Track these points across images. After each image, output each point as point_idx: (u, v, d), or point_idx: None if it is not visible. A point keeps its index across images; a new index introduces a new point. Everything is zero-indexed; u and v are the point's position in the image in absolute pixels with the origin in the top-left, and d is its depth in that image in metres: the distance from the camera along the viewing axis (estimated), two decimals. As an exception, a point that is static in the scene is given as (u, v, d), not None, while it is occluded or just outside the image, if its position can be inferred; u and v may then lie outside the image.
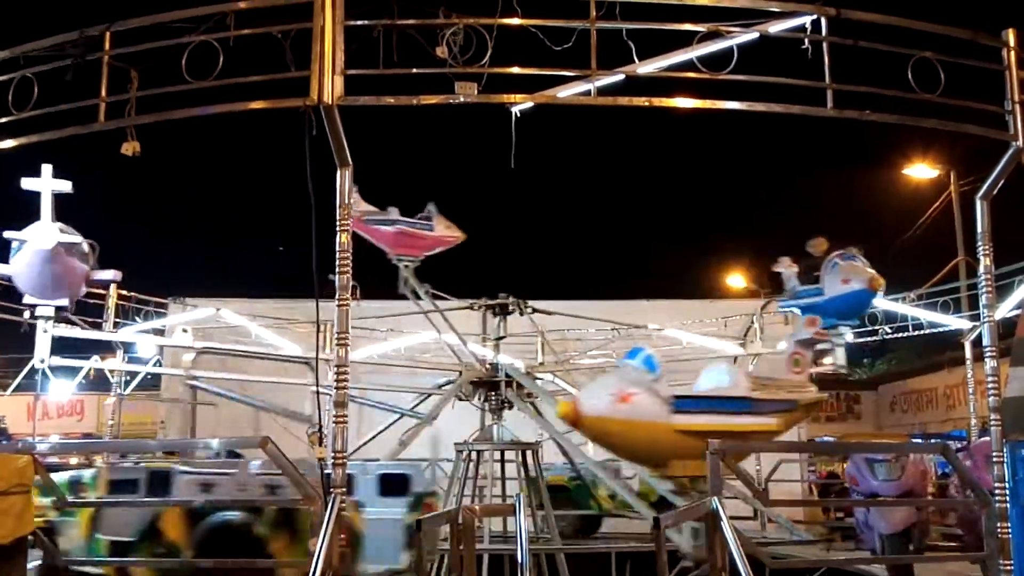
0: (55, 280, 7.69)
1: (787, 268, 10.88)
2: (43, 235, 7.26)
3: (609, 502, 13.55)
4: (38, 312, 7.86)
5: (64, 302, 7.91)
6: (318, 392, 5.84)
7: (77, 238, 7.65)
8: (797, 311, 10.64)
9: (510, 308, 11.83)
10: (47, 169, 7.16)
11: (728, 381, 7.94)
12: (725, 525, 5.41)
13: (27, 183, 7.35)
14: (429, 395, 11.89)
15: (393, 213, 10.93)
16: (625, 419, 7.31)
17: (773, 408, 7.75)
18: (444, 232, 11.31)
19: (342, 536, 5.41)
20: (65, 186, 7.30)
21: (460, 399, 11.33)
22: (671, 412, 7.35)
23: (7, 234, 7.54)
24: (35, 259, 7.40)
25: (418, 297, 10.97)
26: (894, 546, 9.13)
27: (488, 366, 11.13)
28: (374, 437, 11.64)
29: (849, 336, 10.65)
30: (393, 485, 8.83)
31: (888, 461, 9.23)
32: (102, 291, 13.62)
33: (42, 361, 8.59)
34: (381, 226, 10.86)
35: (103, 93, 5.94)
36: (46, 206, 7.26)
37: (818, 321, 8.51)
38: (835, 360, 10.30)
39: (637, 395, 7.33)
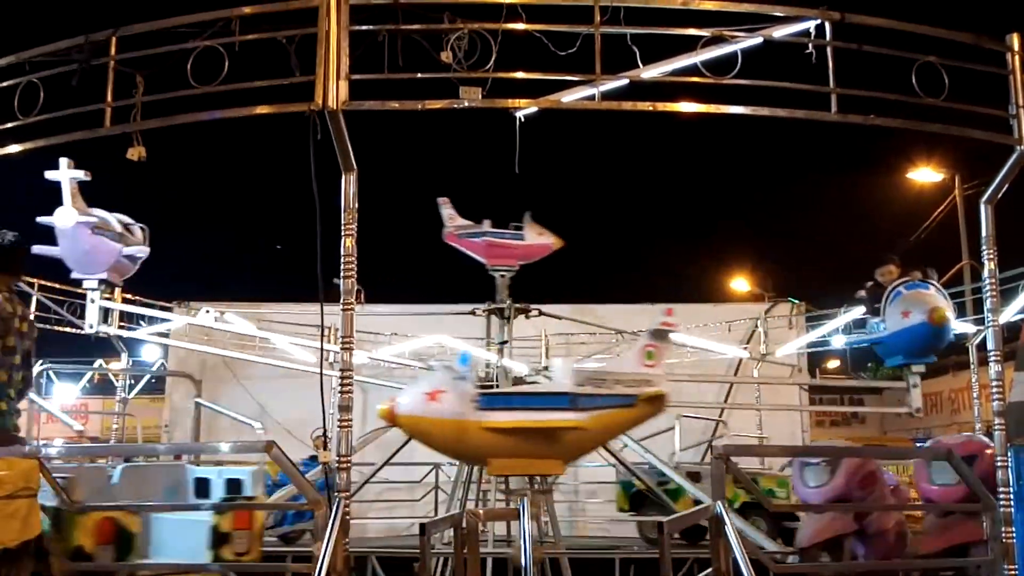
0: (84, 255, 8.83)
1: (447, 207, 11.46)
2: (64, 216, 8.40)
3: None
4: (84, 285, 9.03)
5: (103, 275, 8.96)
6: (322, 395, 5.85)
7: (95, 218, 8.63)
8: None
9: (514, 312, 11.84)
10: (64, 161, 7.98)
11: (562, 376, 7.77)
12: (729, 530, 5.40)
13: (49, 174, 8.25)
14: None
15: (485, 225, 11.19)
16: (434, 417, 7.24)
17: (597, 404, 7.49)
18: (536, 240, 11.48)
19: (345, 541, 5.41)
20: (80, 174, 8.16)
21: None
22: (476, 409, 7.24)
23: (38, 219, 8.52)
24: (62, 238, 8.64)
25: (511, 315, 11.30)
26: (804, 561, 8.50)
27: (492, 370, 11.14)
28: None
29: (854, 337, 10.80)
30: (203, 488, 8.77)
31: (819, 465, 8.66)
32: (107, 295, 13.65)
33: (91, 327, 9.47)
34: (473, 238, 11.15)
35: (108, 98, 5.97)
36: (66, 192, 8.18)
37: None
38: (910, 403, 10.18)
39: (444, 393, 7.25)
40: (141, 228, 9.32)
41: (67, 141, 6.18)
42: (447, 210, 11.23)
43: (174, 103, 5.92)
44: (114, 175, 8.82)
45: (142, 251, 9.21)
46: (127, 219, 9.19)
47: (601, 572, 11.51)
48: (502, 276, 11.08)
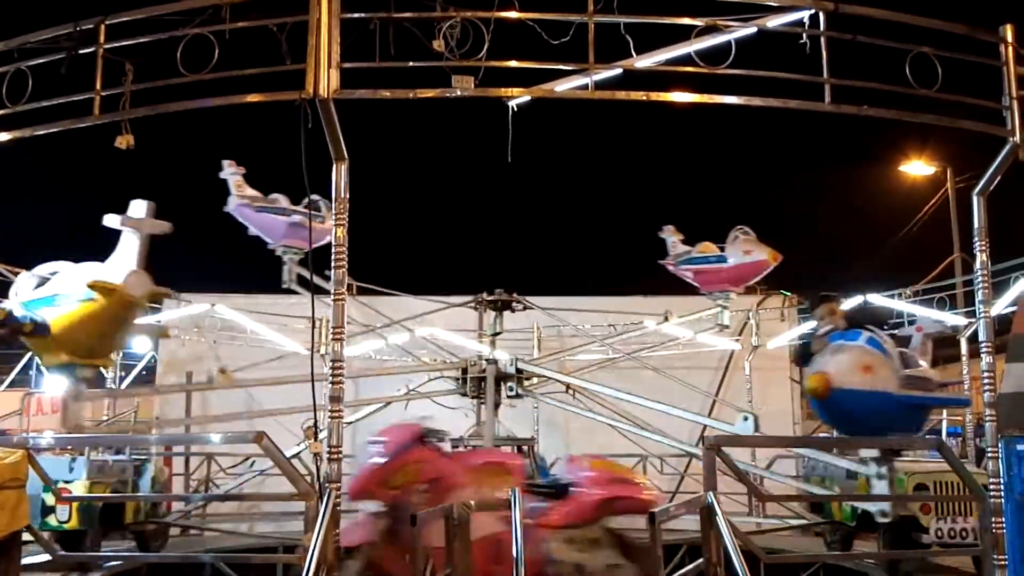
0: (261, 229, 9.86)
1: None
2: (230, 203, 9.35)
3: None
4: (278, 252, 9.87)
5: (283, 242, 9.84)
6: (313, 387, 5.82)
7: (247, 199, 9.19)
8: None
9: (506, 304, 11.83)
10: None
11: None
12: (720, 519, 5.40)
13: (222, 174, 9.05)
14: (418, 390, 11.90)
15: (695, 250, 11.61)
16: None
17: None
18: (743, 259, 11.53)
19: (336, 532, 5.39)
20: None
21: (463, 395, 11.33)
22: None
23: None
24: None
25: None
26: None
27: (484, 361, 11.12)
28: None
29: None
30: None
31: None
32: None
33: (284, 283, 10.00)
34: (684, 266, 11.63)
35: (98, 86, 5.92)
36: (232, 185, 8.92)
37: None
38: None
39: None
40: (325, 203, 8.32)
41: (56, 130, 6.13)
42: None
43: (164, 91, 5.87)
44: (102, 163, 8.76)
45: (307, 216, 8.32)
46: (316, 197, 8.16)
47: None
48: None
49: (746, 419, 8.71)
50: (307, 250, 9.26)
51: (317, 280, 6.44)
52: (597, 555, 6.61)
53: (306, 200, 9.12)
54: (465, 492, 6.52)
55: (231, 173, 9.88)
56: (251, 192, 10.15)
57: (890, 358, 8.23)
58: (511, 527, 5.72)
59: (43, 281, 6.82)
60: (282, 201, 10.23)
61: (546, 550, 6.55)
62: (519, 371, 10.89)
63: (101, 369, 15.57)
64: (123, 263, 6.39)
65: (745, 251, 11.45)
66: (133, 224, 6.52)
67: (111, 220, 6.39)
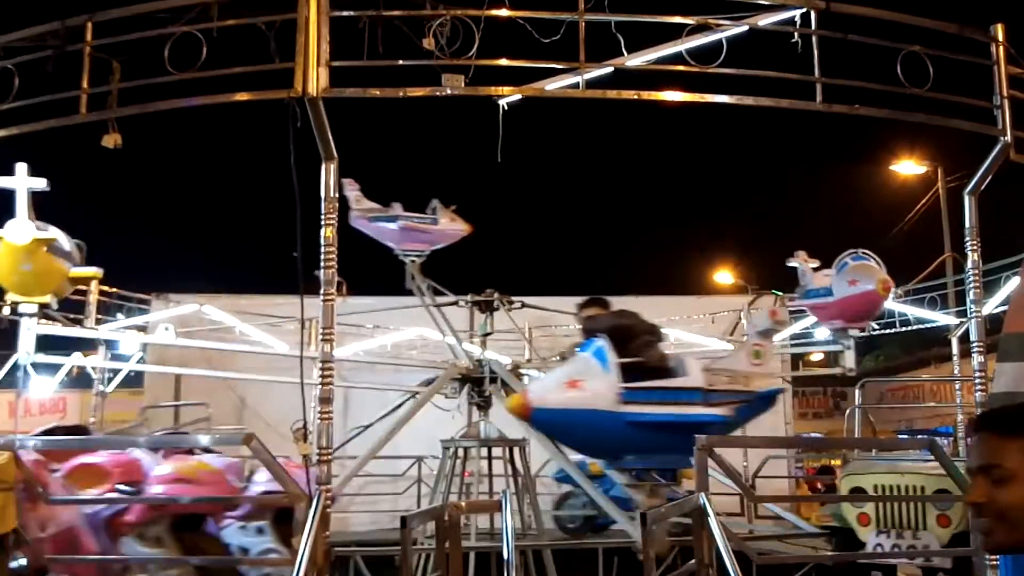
0: (380, 238, 9.04)
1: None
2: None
3: None
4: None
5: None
6: (302, 388, 5.78)
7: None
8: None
9: (496, 304, 11.78)
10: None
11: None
12: (712, 521, 5.38)
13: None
14: (414, 393, 11.84)
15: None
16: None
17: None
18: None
19: (326, 534, 5.36)
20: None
21: (446, 396, 11.27)
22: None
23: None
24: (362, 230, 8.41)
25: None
26: None
27: (474, 362, 11.07)
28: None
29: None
30: None
31: None
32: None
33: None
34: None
35: (84, 85, 5.87)
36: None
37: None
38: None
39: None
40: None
41: (42, 128, 6.07)
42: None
43: (151, 90, 5.83)
44: (89, 163, 8.68)
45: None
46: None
47: (584, 563, 11.49)
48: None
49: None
50: (426, 252, 10.54)
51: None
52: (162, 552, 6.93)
53: (433, 203, 10.56)
54: (59, 494, 6.50)
55: (350, 190, 10.25)
56: (368, 205, 10.46)
57: (609, 371, 7.15)
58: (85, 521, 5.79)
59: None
60: (396, 209, 10.55)
61: (122, 547, 6.84)
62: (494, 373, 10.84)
63: (88, 369, 15.48)
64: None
65: (850, 281, 9.82)
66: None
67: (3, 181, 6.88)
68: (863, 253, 9.79)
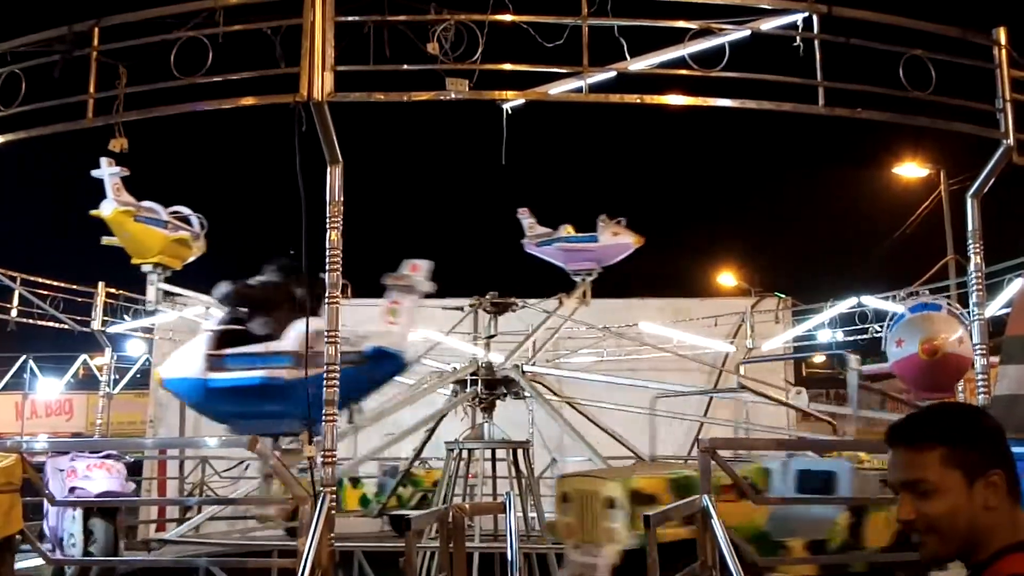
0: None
1: (528, 217, 11.98)
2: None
3: None
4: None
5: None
6: (306, 388, 5.80)
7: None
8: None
9: (501, 307, 11.81)
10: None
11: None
12: (715, 522, 5.40)
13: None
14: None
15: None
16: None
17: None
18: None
19: (330, 536, 5.38)
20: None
21: (456, 396, 11.31)
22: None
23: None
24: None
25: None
26: None
27: (480, 365, 11.11)
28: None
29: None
30: None
31: None
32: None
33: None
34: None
35: (91, 89, 5.91)
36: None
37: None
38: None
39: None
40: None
41: (49, 132, 6.11)
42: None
43: (157, 94, 5.87)
44: (96, 166, 8.72)
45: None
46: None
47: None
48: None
49: (798, 393, 8.64)
50: (595, 270, 11.71)
51: None
52: None
53: (600, 219, 11.51)
54: None
55: (524, 217, 11.65)
56: (540, 230, 11.59)
57: (208, 340, 7.19)
58: None
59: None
60: (560, 232, 11.57)
61: None
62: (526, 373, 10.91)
63: (95, 372, 15.52)
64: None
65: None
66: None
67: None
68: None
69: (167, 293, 9.99)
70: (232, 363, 7.00)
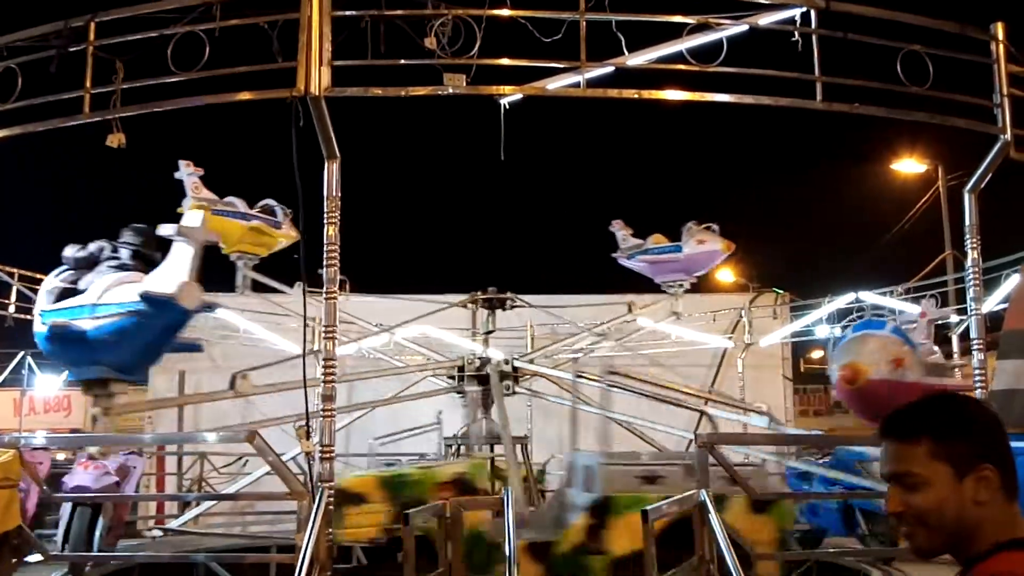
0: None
1: (621, 230, 11.72)
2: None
3: None
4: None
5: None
6: (305, 386, 5.80)
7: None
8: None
9: (499, 302, 11.82)
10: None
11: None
12: (713, 517, 5.41)
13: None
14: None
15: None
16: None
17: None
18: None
19: (328, 531, 5.39)
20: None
21: (458, 393, 11.31)
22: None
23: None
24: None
25: None
26: None
27: (466, 360, 11.11)
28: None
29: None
30: None
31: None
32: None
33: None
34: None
35: (88, 84, 5.90)
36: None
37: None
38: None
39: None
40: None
41: (46, 128, 6.10)
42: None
43: (154, 89, 5.85)
44: (93, 162, 8.72)
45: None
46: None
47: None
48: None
49: (761, 414, 8.48)
50: (686, 281, 11.74)
51: None
52: None
53: (686, 227, 11.39)
54: None
55: (618, 229, 11.56)
56: (632, 242, 11.56)
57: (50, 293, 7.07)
58: None
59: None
60: (648, 242, 11.49)
61: None
62: (514, 368, 10.89)
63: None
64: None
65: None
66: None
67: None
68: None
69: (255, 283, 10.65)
70: (71, 315, 6.76)
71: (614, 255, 12.46)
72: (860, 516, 9.22)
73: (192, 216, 6.78)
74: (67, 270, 7.02)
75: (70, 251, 7.05)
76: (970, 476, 1.77)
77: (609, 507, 7.28)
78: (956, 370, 10.01)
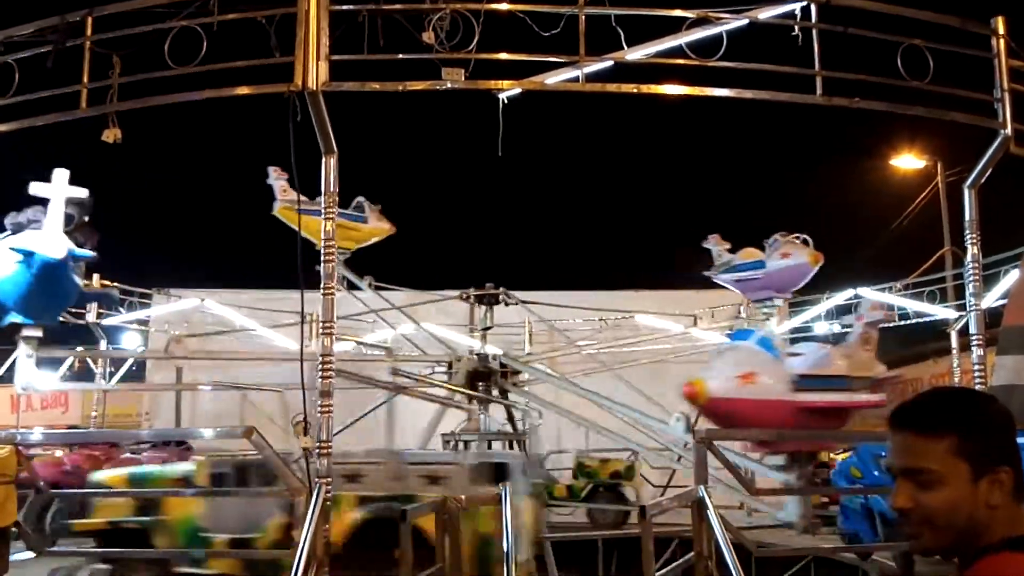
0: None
1: (717, 244, 11.28)
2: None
3: None
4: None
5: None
6: (303, 381, 5.79)
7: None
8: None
9: (497, 298, 11.81)
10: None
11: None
12: (711, 513, 5.40)
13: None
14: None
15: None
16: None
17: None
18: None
19: (326, 527, 5.37)
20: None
21: (453, 390, 11.30)
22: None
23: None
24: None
25: None
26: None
27: (475, 356, 11.11)
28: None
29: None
30: None
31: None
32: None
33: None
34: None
35: (85, 79, 5.87)
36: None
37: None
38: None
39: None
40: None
41: (43, 123, 6.07)
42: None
43: (151, 84, 5.82)
44: (89, 157, 8.70)
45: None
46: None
47: (584, 555, 11.52)
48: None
49: (678, 420, 8.08)
50: (776, 299, 11.37)
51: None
52: None
53: (770, 241, 10.84)
54: None
55: (713, 245, 11.27)
56: (725, 258, 11.25)
57: None
58: None
59: None
60: (737, 257, 11.13)
61: None
62: (506, 365, 10.90)
63: (91, 365, 15.51)
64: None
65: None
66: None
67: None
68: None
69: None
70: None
71: (707, 272, 12.10)
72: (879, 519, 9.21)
73: (56, 175, 7.20)
74: (9, 234, 7.42)
75: (9, 218, 7.50)
76: (986, 477, 1.69)
77: None
78: (893, 383, 9.77)
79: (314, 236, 9.95)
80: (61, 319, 11.81)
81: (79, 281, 7.72)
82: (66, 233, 7.25)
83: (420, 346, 13.23)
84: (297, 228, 9.14)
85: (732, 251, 11.82)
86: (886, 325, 8.12)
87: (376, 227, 11.30)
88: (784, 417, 6.92)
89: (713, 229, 12.21)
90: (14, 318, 7.43)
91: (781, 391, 6.98)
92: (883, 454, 9.10)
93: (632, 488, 13.77)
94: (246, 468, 8.66)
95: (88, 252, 7.51)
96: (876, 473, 9.28)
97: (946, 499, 1.69)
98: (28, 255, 7.00)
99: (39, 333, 7.64)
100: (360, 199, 11.10)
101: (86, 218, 7.55)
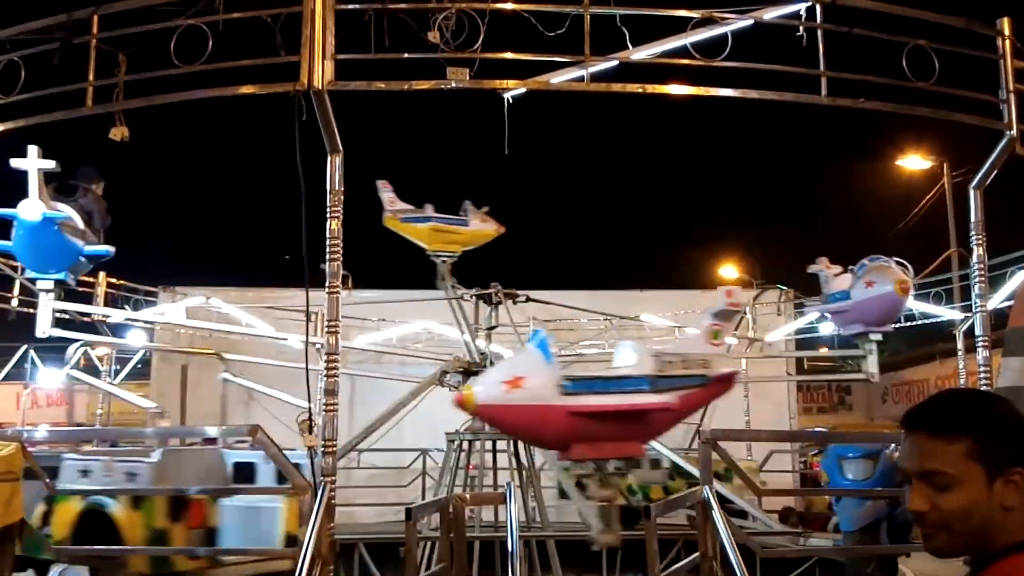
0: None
1: (825, 269, 9.85)
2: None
3: None
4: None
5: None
6: (308, 380, 5.79)
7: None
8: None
9: (502, 298, 11.79)
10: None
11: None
12: (716, 514, 5.39)
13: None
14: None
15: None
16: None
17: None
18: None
19: (330, 525, 5.38)
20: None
21: (451, 389, 11.28)
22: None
23: None
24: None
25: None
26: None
27: (479, 355, 11.11)
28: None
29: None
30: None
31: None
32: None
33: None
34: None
35: (91, 77, 5.90)
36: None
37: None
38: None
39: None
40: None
41: (49, 121, 6.09)
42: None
43: (157, 82, 5.84)
44: (95, 155, 8.71)
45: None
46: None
47: (587, 555, 11.51)
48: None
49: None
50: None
51: None
52: None
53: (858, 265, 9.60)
54: None
55: (822, 270, 9.87)
56: (832, 284, 9.89)
57: None
58: None
59: None
60: (832, 287, 9.83)
61: None
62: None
63: (96, 362, 15.54)
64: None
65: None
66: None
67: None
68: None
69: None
70: None
71: (807, 303, 11.51)
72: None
73: (30, 150, 7.54)
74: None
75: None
76: (1000, 479, 1.68)
77: (55, 499, 8.97)
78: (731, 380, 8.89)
79: (424, 241, 10.85)
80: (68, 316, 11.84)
81: (76, 241, 8.20)
82: (71, 202, 8.25)
83: (425, 345, 13.26)
84: (408, 237, 10.53)
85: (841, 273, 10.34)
86: (735, 311, 7.57)
87: (479, 229, 11.24)
88: (556, 423, 6.57)
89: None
90: (30, 273, 8.49)
91: (547, 396, 6.61)
92: (850, 455, 9.02)
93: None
94: None
95: (100, 249, 8.45)
96: (844, 477, 9.10)
97: (962, 502, 1.68)
98: (13, 219, 7.87)
99: (51, 285, 8.31)
100: (466, 203, 11.21)
101: (93, 187, 8.69)
